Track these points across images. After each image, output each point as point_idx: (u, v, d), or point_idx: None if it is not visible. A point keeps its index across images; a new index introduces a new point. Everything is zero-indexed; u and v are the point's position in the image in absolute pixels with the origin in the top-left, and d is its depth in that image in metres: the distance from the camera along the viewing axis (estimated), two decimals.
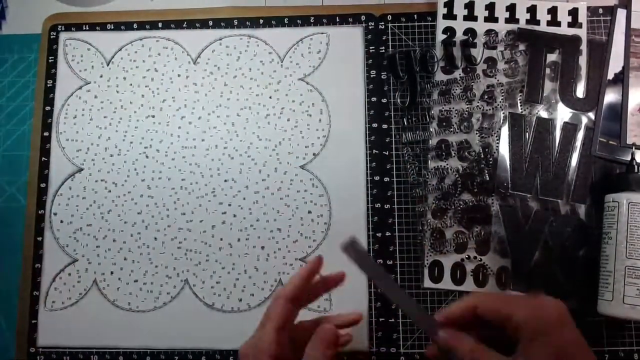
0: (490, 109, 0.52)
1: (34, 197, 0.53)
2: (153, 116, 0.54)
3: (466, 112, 0.52)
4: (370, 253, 0.51)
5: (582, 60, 0.52)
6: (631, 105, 0.51)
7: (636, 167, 0.48)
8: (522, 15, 0.53)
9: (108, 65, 0.56)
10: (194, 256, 0.51)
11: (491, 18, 0.54)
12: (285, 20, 0.56)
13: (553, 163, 0.50)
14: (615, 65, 0.52)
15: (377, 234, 0.51)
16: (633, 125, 0.51)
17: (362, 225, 0.51)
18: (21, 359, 0.51)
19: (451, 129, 0.52)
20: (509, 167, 0.51)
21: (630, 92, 0.51)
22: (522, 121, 0.51)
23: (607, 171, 0.51)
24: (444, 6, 0.54)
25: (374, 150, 0.53)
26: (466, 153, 0.51)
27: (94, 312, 0.51)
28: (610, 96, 0.52)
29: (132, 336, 0.50)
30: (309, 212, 0.52)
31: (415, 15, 0.55)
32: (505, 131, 0.51)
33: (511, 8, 0.54)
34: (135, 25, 0.56)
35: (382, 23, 0.55)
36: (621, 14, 0.53)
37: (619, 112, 0.51)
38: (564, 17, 0.53)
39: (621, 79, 0.52)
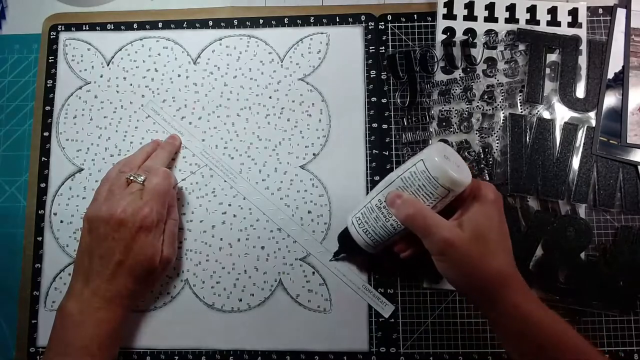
0: (490, 109, 0.52)
1: (34, 197, 0.53)
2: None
3: (466, 112, 0.52)
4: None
5: (582, 60, 0.52)
6: (631, 104, 0.51)
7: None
8: (522, 15, 0.53)
9: (108, 65, 0.56)
10: (194, 256, 0.51)
11: (491, 18, 0.54)
12: (285, 20, 0.56)
13: (554, 163, 0.50)
14: (615, 64, 0.52)
15: None
16: (633, 124, 0.51)
17: None
18: (21, 358, 0.51)
19: (451, 129, 0.52)
20: (509, 167, 0.50)
21: (630, 92, 0.51)
22: (522, 121, 0.51)
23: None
24: (444, 6, 0.54)
25: (374, 150, 0.53)
26: (466, 153, 0.51)
27: None
28: (611, 95, 0.52)
29: (132, 336, 0.50)
30: (309, 212, 0.52)
31: (415, 16, 0.55)
32: (505, 131, 0.51)
33: (511, 8, 0.54)
34: (135, 25, 0.56)
35: (382, 23, 0.55)
36: (621, 13, 0.53)
37: (619, 112, 0.51)
38: (563, 17, 0.53)
39: (621, 79, 0.52)
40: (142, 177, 0.47)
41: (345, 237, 0.47)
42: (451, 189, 0.40)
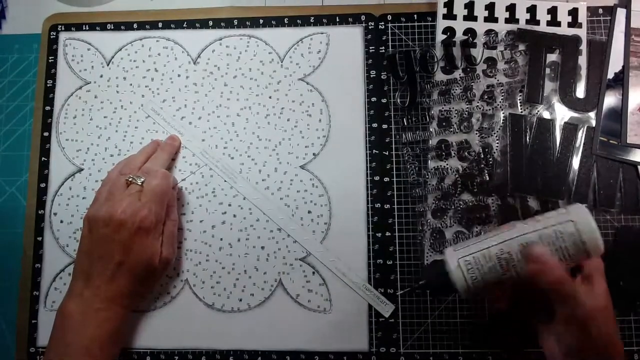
0: (490, 109, 0.52)
1: (34, 197, 0.53)
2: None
3: (466, 112, 0.52)
4: (370, 253, 0.51)
5: (582, 60, 0.52)
6: (631, 104, 0.51)
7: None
8: (522, 15, 0.53)
9: (108, 65, 0.56)
10: (194, 256, 0.51)
11: (491, 18, 0.54)
12: (285, 20, 0.56)
13: (554, 163, 0.50)
14: (615, 64, 0.52)
15: (377, 234, 0.51)
16: (633, 124, 0.51)
17: (362, 225, 0.51)
18: (21, 359, 0.51)
19: (451, 129, 0.52)
20: (509, 167, 0.50)
21: (630, 91, 0.51)
22: (522, 121, 0.51)
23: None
24: (444, 6, 0.54)
25: (374, 150, 0.53)
26: (466, 153, 0.51)
27: None
28: (611, 95, 0.52)
29: (132, 336, 0.50)
30: (309, 212, 0.52)
31: (415, 15, 0.55)
32: (505, 131, 0.51)
33: (511, 8, 0.54)
34: (135, 25, 0.56)
35: (382, 23, 0.55)
36: (621, 13, 0.53)
37: (619, 112, 0.51)
38: (563, 17, 0.53)
39: (621, 78, 0.52)
40: (141, 179, 0.47)
41: (438, 273, 0.43)
42: (591, 255, 0.39)
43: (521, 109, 0.52)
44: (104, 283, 0.44)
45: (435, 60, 0.53)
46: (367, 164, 0.52)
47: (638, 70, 0.52)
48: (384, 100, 0.53)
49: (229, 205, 0.52)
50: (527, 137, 0.51)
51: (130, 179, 0.47)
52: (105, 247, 0.44)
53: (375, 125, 0.53)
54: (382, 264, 0.50)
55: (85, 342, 0.42)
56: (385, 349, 0.49)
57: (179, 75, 0.55)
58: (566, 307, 0.39)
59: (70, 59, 0.56)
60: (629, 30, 0.52)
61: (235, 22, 0.56)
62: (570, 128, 0.51)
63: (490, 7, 0.54)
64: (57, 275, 0.52)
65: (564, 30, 0.53)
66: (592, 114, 0.51)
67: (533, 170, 0.50)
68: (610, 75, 0.52)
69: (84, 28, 0.57)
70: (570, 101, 0.52)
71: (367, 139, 0.53)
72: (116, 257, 0.44)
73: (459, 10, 0.54)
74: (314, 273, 0.51)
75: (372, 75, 0.54)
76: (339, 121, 0.53)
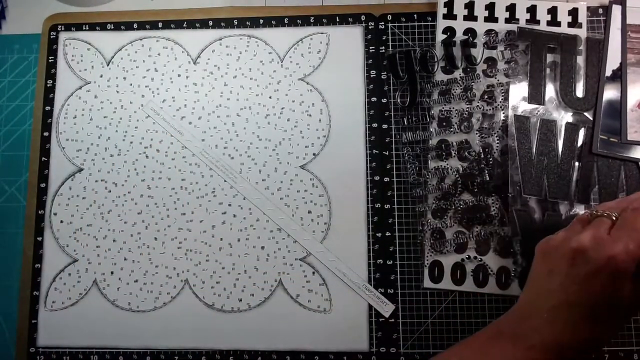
0: (490, 109, 0.52)
1: (33, 197, 0.53)
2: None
3: (466, 112, 0.52)
4: (370, 253, 0.51)
5: (581, 60, 0.52)
6: (630, 101, 0.51)
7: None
8: (522, 15, 0.53)
9: (108, 65, 0.56)
10: (194, 256, 0.51)
11: (491, 18, 0.54)
12: (285, 20, 0.56)
13: (558, 164, 0.50)
14: (612, 62, 0.52)
15: (377, 234, 0.51)
16: (633, 121, 0.51)
17: (362, 225, 0.51)
18: (21, 359, 0.51)
19: (451, 129, 0.52)
20: (520, 170, 0.50)
21: (628, 88, 0.51)
22: (527, 123, 0.51)
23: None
24: (444, 6, 0.54)
25: (374, 150, 0.53)
26: (466, 153, 0.51)
27: (94, 312, 0.51)
28: (609, 93, 0.51)
29: (132, 336, 0.50)
30: (309, 212, 0.52)
31: (415, 15, 0.55)
32: (511, 133, 0.51)
33: (511, 8, 0.54)
34: (135, 25, 0.56)
35: (382, 23, 0.55)
36: (617, 9, 0.53)
37: (618, 109, 0.51)
38: (563, 17, 0.53)
39: (619, 76, 0.52)
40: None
41: None
42: None
43: (522, 110, 0.52)
44: None
45: (435, 60, 0.53)
46: (367, 164, 0.52)
47: (635, 67, 0.52)
48: (384, 100, 0.53)
49: (229, 205, 0.52)
50: (533, 139, 0.51)
51: None
52: None
53: (375, 125, 0.53)
54: (382, 264, 0.50)
55: None
56: (385, 349, 0.49)
57: (179, 75, 0.55)
58: None
59: (70, 59, 0.56)
60: (625, 27, 0.52)
61: (235, 22, 0.56)
62: (572, 128, 0.51)
63: (490, 7, 0.54)
64: (57, 275, 0.52)
65: (564, 30, 0.53)
66: (592, 113, 0.51)
67: (539, 171, 0.50)
68: (608, 72, 0.52)
69: (84, 28, 0.57)
70: (570, 101, 0.52)
71: (367, 139, 0.53)
72: None
73: (459, 10, 0.54)
74: (314, 273, 0.51)
75: (372, 75, 0.54)
76: (339, 121, 0.53)
